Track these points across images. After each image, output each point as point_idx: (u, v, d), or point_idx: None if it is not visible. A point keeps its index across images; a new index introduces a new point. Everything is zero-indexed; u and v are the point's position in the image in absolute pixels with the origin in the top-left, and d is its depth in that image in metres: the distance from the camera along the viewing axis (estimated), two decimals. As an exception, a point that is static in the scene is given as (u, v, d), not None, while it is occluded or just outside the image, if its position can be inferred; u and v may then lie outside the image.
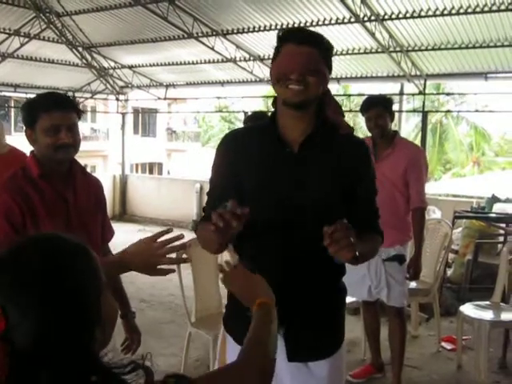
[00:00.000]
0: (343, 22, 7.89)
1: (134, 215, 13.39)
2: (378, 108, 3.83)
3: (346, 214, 1.77)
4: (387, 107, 3.86)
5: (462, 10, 7.15)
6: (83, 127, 25.00)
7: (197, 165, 26.20)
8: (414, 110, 11.42)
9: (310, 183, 1.86)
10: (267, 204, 1.85)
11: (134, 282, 7.34)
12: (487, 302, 4.57)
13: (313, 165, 1.87)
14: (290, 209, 1.84)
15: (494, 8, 6.93)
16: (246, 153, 1.90)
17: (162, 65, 11.48)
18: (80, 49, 10.69)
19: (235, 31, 9.05)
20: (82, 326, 0.96)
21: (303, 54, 1.78)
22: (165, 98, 13.35)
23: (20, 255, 0.98)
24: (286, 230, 1.85)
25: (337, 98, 2.35)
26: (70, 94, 12.94)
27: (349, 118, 24.57)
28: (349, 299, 3.09)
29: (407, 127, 24.41)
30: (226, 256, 4.49)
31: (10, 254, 0.99)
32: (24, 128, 2.18)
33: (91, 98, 13.67)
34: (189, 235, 9.19)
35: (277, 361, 1.85)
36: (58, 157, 2.14)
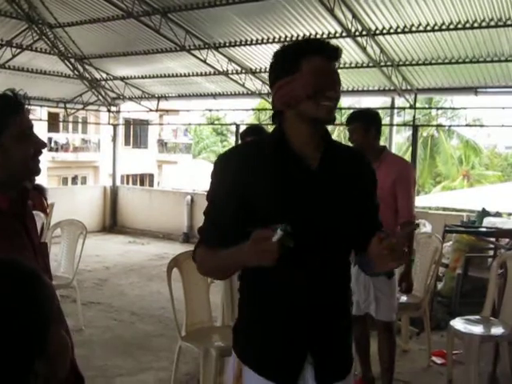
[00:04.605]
0: (335, 37, 7.95)
1: (125, 227, 13.32)
2: (354, 123, 3.85)
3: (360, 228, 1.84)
4: (363, 122, 3.85)
5: (451, 26, 7.23)
6: (74, 138, 25.01)
7: (188, 176, 26.19)
8: (405, 124, 11.47)
9: (335, 200, 1.81)
10: (293, 223, 1.62)
11: (125, 294, 7.33)
12: (477, 317, 4.57)
13: (333, 180, 1.82)
14: (317, 227, 1.75)
15: (484, 24, 7.03)
16: (257, 171, 1.77)
17: (154, 77, 11.50)
18: (72, 60, 10.69)
19: (227, 44, 9.10)
20: (15, 357, 0.89)
21: (335, 71, 1.76)
22: (156, 110, 13.35)
23: None
24: (313, 250, 1.75)
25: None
26: (61, 105, 12.96)
27: (339, 131, 24.70)
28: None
29: (399, 140, 24.58)
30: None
31: None
32: None
33: (83, 109, 13.64)
34: (179, 247, 9.21)
35: None
36: (36, 169, 1.72)
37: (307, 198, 1.76)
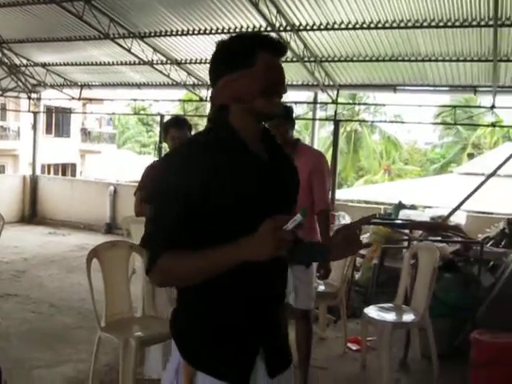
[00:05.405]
0: (259, 31, 8.04)
1: (45, 218, 13.00)
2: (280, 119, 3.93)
3: None
4: (286, 117, 3.96)
5: (372, 25, 7.48)
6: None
7: (112, 167, 25.75)
8: (326, 119, 11.76)
9: (286, 192, 1.83)
10: (257, 218, 1.57)
11: (44, 286, 7.17)
12: (390, 304, 4.79)
13: (281, 173, 1.84)
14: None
15: (402, 25, 7.31)
16: (213, 169, 1.67)
17: (76, 64, 11.24)
18: (-11, 44, 10.30)
19: (152, 34, 9.01)
20: None
21: (283, 68, 1.76)
22: (79, 99, 13.08)
23: None
24: None
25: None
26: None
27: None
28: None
29: (324, 134, 25.09)
30: (138, 260, 4.49)
31: None
32: None
33: (1, 95, 13.15)
34: (101, 238, 9.06)
35: (257, 380, 1.75)
36: None
37: (266, 192, 1.74)
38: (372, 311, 4.62)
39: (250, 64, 1.70)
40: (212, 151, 1.70)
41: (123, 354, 3.61)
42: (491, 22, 6.78)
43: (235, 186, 1.68)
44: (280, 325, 1.88)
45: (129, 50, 9.38)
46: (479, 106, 13.98)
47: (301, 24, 7.83)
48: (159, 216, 1.71)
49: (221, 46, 1.76)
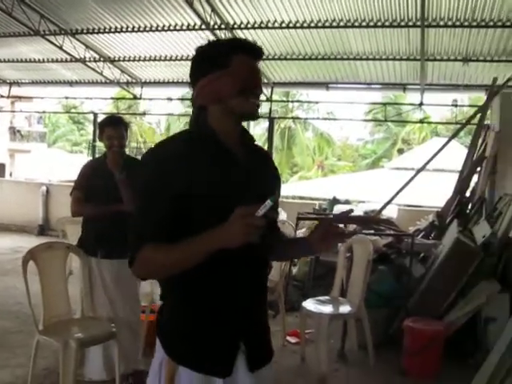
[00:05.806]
0: (194, 29, 8.06)
1: (-27, 220, 12.56)
2: None
3: None
4: None
5: (305, 24, 7.64)
6: None
7: (43, 166, 25.06)
8: (261, 117, 11.86)
9: (264, 193, 1.75)
10: None
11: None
12: (327, 297, 4.91)
13: (258, 174, 1.87)
14: None
15: (334, 24, 7.49)
16: (194, 169, 1.72)
17: (5, 61, 10.93)
18: None
19: (84, 31, 8.87)
20: None
21: (259, 70, 1.83)
22: (8, 97, 12.70)
23: None
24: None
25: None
26: None
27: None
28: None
29: (258, 131, 25.22)
30: (75, 261, 4.43)
31: None
32: None
33: None
34: (35, 240, 8.80)
35: (238, 374, 1.78)
36: None
37: (245, 193, 1.76)
38: (310, 304, 4.71)
39: (226, 65, 1.75)
40: (192, 152, 1.74)
41: (63, 356, 3.56)
42: (418, 23, 7.05)
43: (214, 187, 1.72)
44: (261, 319, 1.92)
45: (60, 47, 9.19)
46: (408, 104, 14.45)
47: (235, 22, 7.90)
48: (141, 208, 1.75)
49: (199, 50, 1.82)
